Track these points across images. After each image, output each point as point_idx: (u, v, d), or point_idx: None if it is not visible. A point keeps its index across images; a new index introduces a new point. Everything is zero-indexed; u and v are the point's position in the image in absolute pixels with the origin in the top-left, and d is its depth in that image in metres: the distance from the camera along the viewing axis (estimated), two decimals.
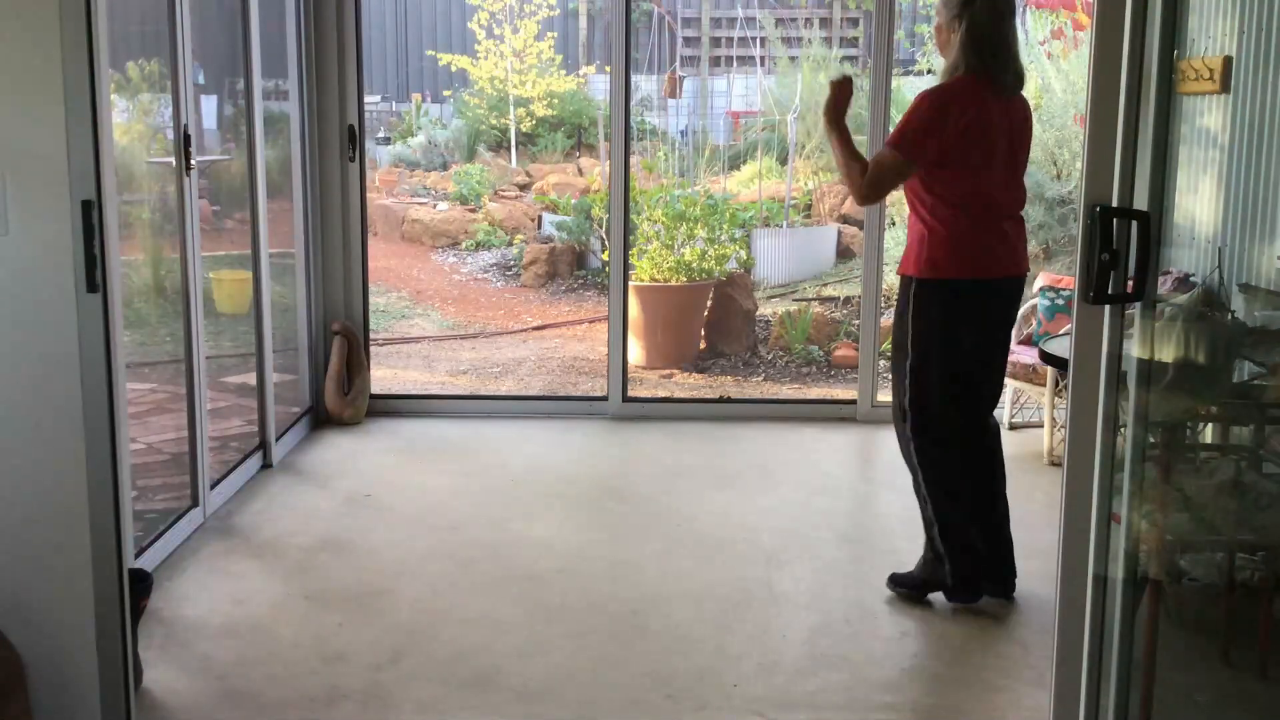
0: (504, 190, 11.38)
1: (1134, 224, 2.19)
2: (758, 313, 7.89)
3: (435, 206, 11.17)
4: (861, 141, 4.82)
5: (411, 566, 3.91)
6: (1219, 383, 2.62)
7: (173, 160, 4.09)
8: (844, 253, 9.35)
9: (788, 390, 6.84)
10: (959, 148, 3.40)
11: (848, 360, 7.05)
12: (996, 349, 3.65)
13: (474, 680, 3.17)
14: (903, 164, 3.45)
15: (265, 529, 4.24)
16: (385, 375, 6.99)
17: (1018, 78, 3.50)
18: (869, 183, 3.50)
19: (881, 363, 5.78)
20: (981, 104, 3.41)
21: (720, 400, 6.42)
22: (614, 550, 4.10)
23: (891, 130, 3.60)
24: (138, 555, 3.68)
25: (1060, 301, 5.52)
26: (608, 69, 5.97)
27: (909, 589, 3.68)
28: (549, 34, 12.67)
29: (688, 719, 3.00)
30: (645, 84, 12.07)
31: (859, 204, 3.84)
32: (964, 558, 3.59)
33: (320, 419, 5.54)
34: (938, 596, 3.65)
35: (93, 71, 2.35)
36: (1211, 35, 3.02)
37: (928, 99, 3.44)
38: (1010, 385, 5.57)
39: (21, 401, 2.39)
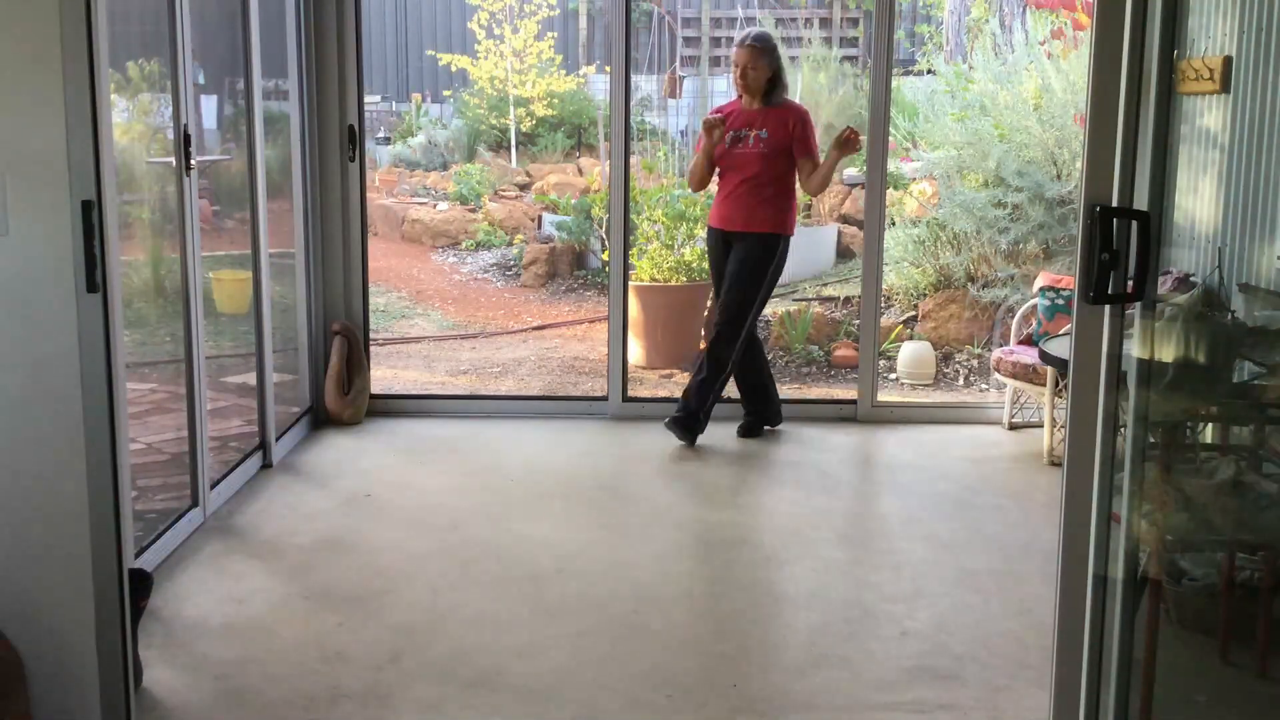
0: (504, 190, 11.38)
1: (1134, 224, 2.19)
2: None
3: (435, 206, 11.16)
4: (861, 142, 5.26)
5: (411, 566, 3.91)
6: (1219, 383, 2.62)
7: (173, 160, 4.09)
8: (844, 253, 9.35)
9: (788, 390, 6.84)
10: None
11: (848, 360, 7.05)
12: None
13: (474, 680, 3.17)
14: None
15: (265, 529, 4.24)
16: (385, 375, 6.99)
17: None
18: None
19: (883, 362, 5.78)
20: None
21: (720, 400, 6.41)
22: (614, 550, 4.10)
23: (812, 140, 5.23)
24: (138, 555, 3.68)
25: (1060, 301, 5.52)
26: (608, 69, 5.97)
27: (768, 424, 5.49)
28: (549, 34, 12.65)
29: (688, 719, 3.00)
30: (645, 84, 12.06)
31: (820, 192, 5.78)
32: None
33: (320, 419, 5.54)
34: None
35: (93, 71, 2.35)
36: (1211, 35, 3.01)
37: (809, 116, 5.28)
38: (1010, 385, 5.57)
39: (21, 401, 2.39)
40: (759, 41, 5.20)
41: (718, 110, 5.40)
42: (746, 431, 5.46)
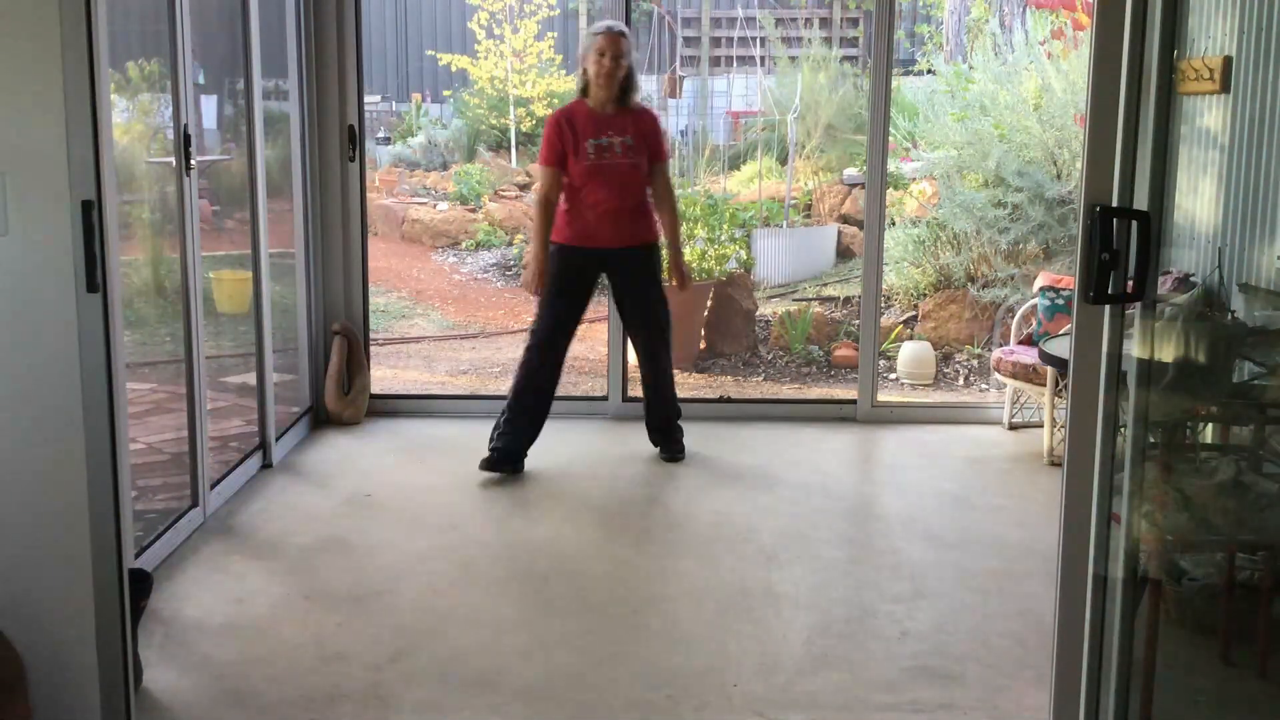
0: (504, 190, 11.38)
1: (1134, 224, 2.19)
2: (758, 313, 7.88)
3: (435, 206, 11.17)
4: (861, 142, 5.19)
5: (411, 566, 3.91)
6: (1219, 383, 2.62)
7: (173, 160, 4.09)
8: (844, 253, 9.35)
9: (788, 390, 6.84)
10: None
11: (848, 360, 7.05)
12: None
13: (474, 680, 3.17)
14: None
15: (265, 529, 4.24)
16: (385, 375, 6.99)
17: None
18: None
19: (883, 362, 5.78)
20: None
21: (720, 400, 6.42)
22: (614, 550, 4.10)
23: (666, 145, 5.06)
24: (138, 555, 3.68)
25: (1060, 301, 5.52)
26: None
27: (677, 451, 5.10)
28: (549, 34, 12.65)
29: (688, 719, 3.00)
30: (645, 84, 12.05)
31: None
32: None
33: (320, 419, 5.54)
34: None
35: (93, 71, 2.35)
36: (1211, 35, 3.01)
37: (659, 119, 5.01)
38: (1010, 385, 5.57)
39: (21, 401, 2.39)
40: (626, 31, 4.80)
41: (558, 114, 4.81)
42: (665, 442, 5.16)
